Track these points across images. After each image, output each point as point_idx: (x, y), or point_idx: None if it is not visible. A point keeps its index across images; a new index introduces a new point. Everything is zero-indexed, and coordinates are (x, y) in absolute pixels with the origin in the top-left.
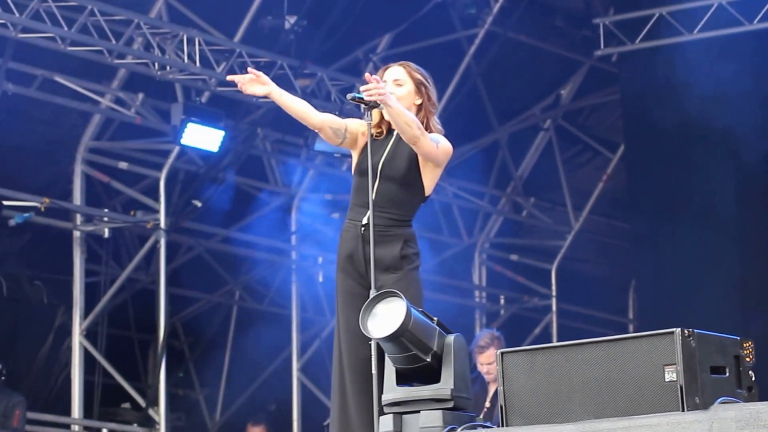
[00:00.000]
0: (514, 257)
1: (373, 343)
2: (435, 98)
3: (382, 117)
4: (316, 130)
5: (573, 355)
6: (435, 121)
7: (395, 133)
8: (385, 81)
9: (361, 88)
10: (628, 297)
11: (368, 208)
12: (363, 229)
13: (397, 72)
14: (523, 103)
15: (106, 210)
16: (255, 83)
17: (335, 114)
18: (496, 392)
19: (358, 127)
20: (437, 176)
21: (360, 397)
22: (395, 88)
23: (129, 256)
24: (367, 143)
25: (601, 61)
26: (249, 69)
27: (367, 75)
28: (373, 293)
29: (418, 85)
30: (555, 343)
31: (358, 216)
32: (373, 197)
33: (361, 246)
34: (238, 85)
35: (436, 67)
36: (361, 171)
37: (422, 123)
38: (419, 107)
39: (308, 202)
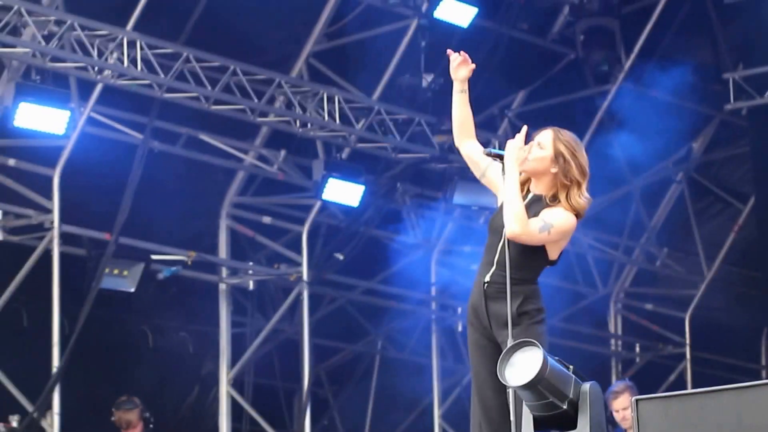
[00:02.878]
0: (648, 306)
1: (510, 391)
2: (576, 174)
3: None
4: (457, 146)
5: (707, 402)
6: (574, 195)
7: (531, 195)
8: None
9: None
10: (761, 344)
11: (492, 266)
12: (486, 285)
13: (544, 135)
14: (656, 156)
15: (250, 263)
16: (462, 66)
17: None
18: None
19: (497, 178)
20: (561, 246)
21: None
22: (536, 150)
23: (273, 308)
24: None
25: (731, 114)
26: (455, 54)
27: (523, 131)
28: (510, 342)
29: (557, 156)
30: (689, 390)
31: (483, 272)
32: (497, 257)
33: (484, 301)
34: (451, 60)
35: (569, 122)
36: (491, 228)
37: (550, 192)
38: (554, 176)
39: (448, 254)
